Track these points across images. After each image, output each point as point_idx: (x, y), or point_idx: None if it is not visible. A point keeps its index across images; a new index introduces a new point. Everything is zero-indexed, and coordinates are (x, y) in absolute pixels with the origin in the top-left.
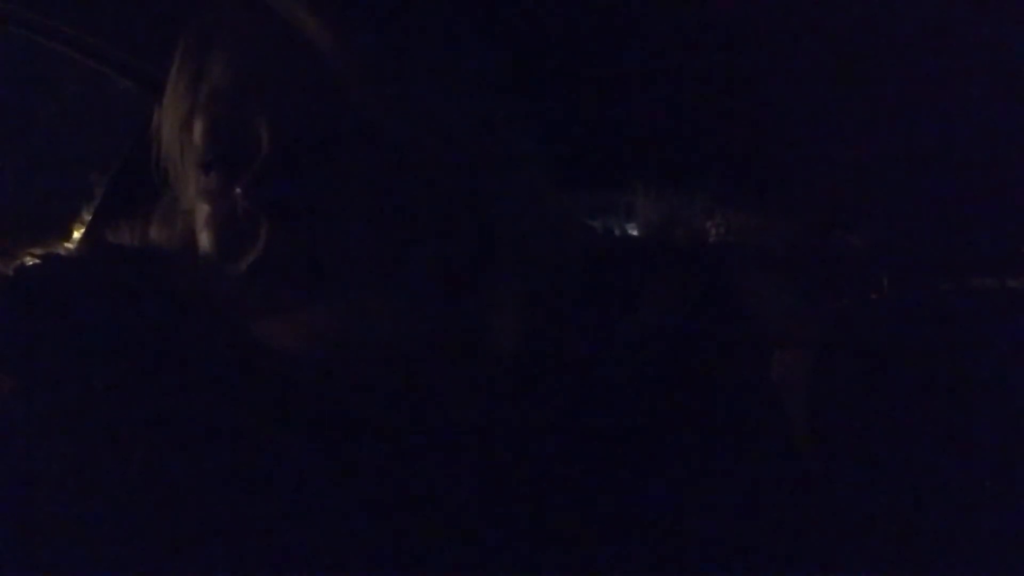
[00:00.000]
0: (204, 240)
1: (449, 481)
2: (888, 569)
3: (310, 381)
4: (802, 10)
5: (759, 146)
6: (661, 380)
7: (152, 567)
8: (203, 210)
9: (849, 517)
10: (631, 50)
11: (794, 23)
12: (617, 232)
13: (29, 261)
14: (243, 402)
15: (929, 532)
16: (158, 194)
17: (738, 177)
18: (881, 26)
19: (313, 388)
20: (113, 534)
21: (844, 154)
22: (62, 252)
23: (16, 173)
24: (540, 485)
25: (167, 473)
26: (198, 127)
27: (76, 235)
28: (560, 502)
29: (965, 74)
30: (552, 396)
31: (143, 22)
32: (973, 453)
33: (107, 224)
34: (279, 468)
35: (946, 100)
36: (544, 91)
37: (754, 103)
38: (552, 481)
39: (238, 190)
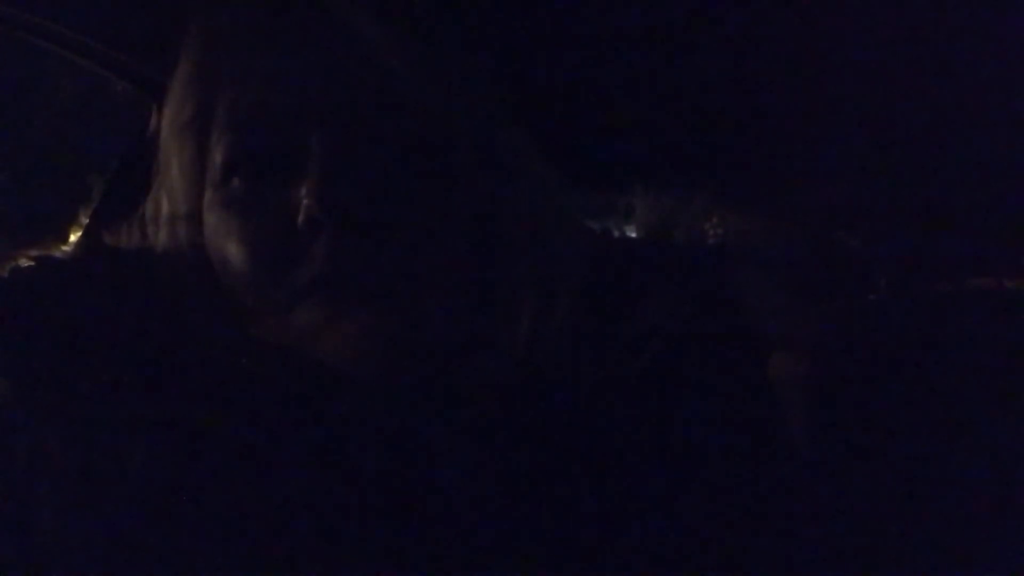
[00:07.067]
0: (236, 252)
1: (453, 482)
2: (888, 569)
3: (313, 380)
4: (800, 13)
5: (758, 148)
6: (660, 381)
7: (151, 568)
8: (227, 219)
9: (847, 517)
10: (631, 53)
11: (793, 26)
12: (616, 234)
13: (25, 263)
14: (242, 402)
15: (928, 532)
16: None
17: (737, 179)
18: (880, 29)
19: (316, 388)
20: (111, 534)
21: (843, 156)
22: (59, 255)
23: (13, 175)
24: (543, 483)
25: (165, 474)
26: (216, 133)
27: (73, 238)
28: (560, 500)
29: (963, 77)
30: (553, 397)
31: (141, 23)
32: (971, 454)
33: (104, 227)
34: (279, 469)
35: (944, 103)
36: (544, 94)
37: (753, 106)
38: (554, 480)
39: (303, 198)
